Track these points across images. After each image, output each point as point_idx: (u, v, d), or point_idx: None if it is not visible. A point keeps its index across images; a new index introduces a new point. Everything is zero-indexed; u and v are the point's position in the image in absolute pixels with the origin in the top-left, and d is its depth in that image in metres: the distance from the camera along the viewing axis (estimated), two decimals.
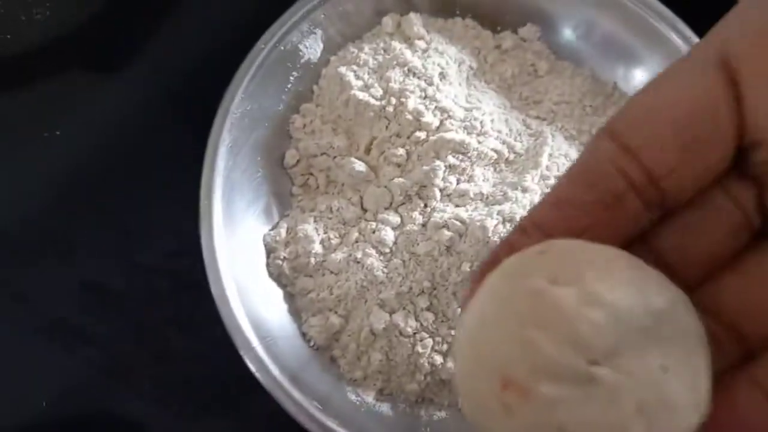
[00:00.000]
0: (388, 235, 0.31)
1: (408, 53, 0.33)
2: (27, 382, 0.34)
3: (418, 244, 0.31)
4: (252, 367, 0.28)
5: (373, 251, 0.31)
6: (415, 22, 0.35)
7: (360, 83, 0.33)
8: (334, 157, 0.32)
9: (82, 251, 0.35)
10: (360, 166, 0.32)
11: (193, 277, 0.34)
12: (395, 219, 0.31)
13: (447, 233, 0.30)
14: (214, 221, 0.30)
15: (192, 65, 0.38)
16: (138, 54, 0.38)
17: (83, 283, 0.35)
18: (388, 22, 0.35)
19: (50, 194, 0.36)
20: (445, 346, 0.30)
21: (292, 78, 0.33)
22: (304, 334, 0.31)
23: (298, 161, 0.33)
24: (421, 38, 0.34)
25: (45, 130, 0.36)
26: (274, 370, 0.28)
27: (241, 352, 0.28)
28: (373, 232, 0.31)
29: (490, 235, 0.29)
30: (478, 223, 0.30)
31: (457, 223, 0.30)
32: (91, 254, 0.35)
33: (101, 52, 0.38)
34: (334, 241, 0.31)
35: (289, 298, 0.31)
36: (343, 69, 0.33)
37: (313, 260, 0.31)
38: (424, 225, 0.31)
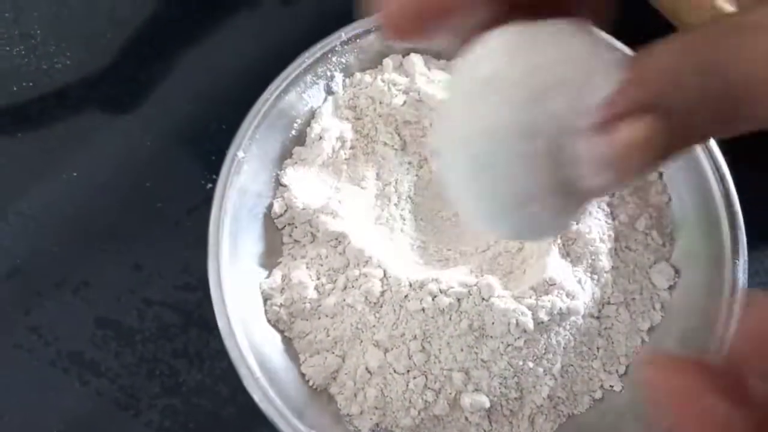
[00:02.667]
0: (375, 286, 0.30)
1: (404, 80, 0.34)
2: (40, 413, 0.35)
3: (408, 301, 0.30)
4: (255, 397, 0.29)
5: (361, 299, 0.30)
6: (416, 61, 0.35)
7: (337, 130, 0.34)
8: (313, 210, 0.32)
9: (96, 286, 0.37)
10: (328, 224, 0.32)
11: (202, 311, 0.36)
12: (379, 272, 0.30)
13: (445, 299, 0.29)
14: (221, 259, 0.30)
15: (201, 108, 0.39)
16: (150, 98, 0.40)
17: (97, 317, 0.36)
18: (388, 63, 0.35)
19: (66, 232, 0.38)
20: (437, 384, 0.30)
21: (295, 125, 0.34)
22: (303, 374, 0.31)
23: (285, 211, 0.33)
24: (423, 74, 0.35)
25: (63, 171, 0.38)
26: (277, 401, 0.29)
27: (245, 383, 0.29)
28: (357, 280, 0.31)
29: (497, 294, 0.29)
30: (485, 281, 0.29)
31: (459, 289, 0.29)
32: (104, 289, 0.37)
33: (116, 96, 0.40)
34: (327, 287, 0.31)
35: (288, 340, 0.32)
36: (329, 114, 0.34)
37: (308, 305, 0.31)
38: (410, 285, 0.30)
